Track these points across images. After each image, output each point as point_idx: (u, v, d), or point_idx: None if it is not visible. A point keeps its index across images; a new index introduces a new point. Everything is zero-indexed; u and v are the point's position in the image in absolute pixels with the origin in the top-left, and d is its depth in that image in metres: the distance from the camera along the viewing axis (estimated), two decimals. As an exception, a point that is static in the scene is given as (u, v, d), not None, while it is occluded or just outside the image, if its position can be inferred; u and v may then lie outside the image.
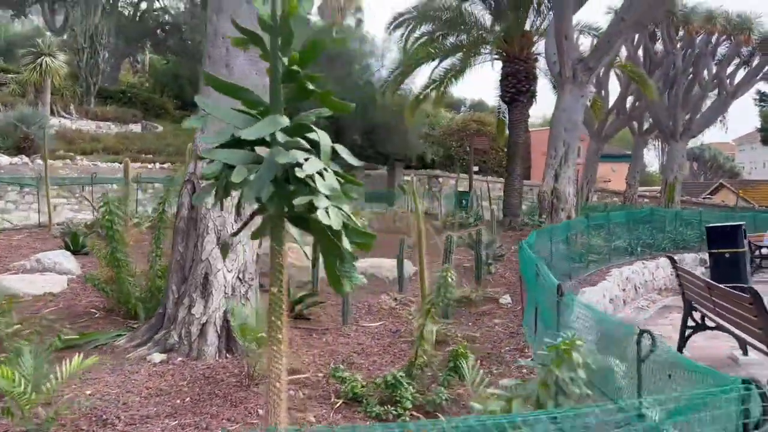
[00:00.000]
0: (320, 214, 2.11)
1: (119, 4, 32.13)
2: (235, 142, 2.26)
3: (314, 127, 2.37)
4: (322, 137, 2.33)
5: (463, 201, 21.65)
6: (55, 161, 19.63)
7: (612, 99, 25.19)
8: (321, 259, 2.45)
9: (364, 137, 30.35)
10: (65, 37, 31.51)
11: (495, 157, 32.16)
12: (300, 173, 2.10)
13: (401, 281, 8.27)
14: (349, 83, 27.63)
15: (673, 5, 19.29)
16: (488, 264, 9.51)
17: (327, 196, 2.16)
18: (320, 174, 2.16)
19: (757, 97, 35.09)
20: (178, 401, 4.06)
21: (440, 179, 32.04)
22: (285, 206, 2.18)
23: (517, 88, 18.31)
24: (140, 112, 30.49)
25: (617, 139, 35.74)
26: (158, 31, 33.16)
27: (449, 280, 5.46)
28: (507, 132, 19.98)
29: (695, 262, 13.98)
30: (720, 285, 5.99)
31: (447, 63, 19.81)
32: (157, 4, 34.91)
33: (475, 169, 26.25)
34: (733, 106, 24.75)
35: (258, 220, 5.39)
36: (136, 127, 28.71)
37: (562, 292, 4.23)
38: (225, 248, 4.55)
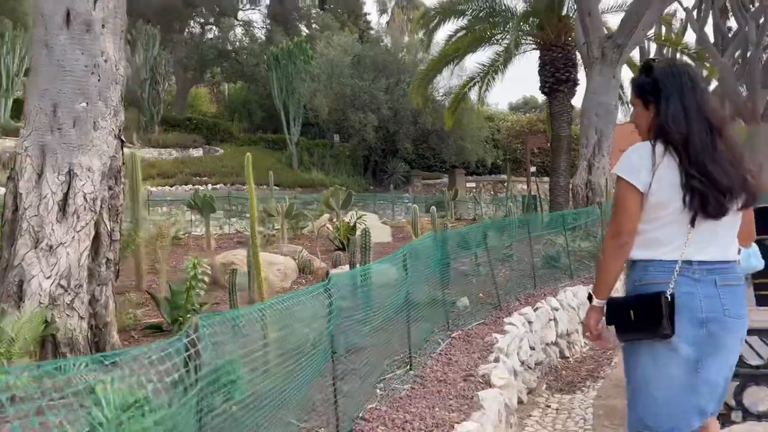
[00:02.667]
0: None
1: (177, 37, 33.34)
2: None
3: None
4: None
5: (533, 205, 20.33)
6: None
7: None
8: None
9: (417, 144, 29.59)
10: (129, 69, 33.17)
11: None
12: None
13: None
14: (398, 92, 27.10)
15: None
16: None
17: None
18: None
19: None
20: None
21: (505, 184, 30.53)
22: None
23: (556, 77, 16.86)
24: (202, 137, 31.46)
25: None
26: (218, 58, 34.09)
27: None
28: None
29: None
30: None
31: (483, 59, 18.68)
32: (216, 32, 36.05)
33: (533, 169, 24.64)
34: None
35: (86, 216, 4.82)
36: (197, 152, 29.57)
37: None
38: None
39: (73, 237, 4.41)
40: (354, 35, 29.22)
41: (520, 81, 56.35)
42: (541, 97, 25.41)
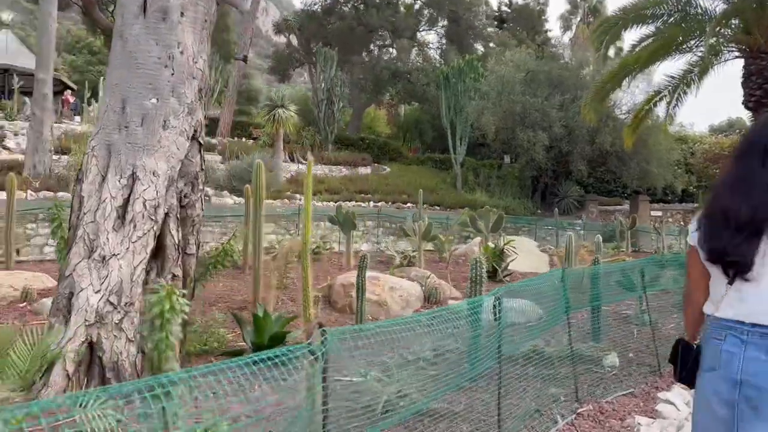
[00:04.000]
0: None
1: (355, 59, 34.39)
2: None
3: None
4: None
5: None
6: (275, 200, 21.23)
7: None
8: None
9: (594, 167, 27.13)
10: (309, 92, 34.91)
11: None
12: None
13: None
14: (573, 109, 25.08)
15: None
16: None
17: None
18: None
19: None
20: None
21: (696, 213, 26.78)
22: None
23: (764, 89, 14.06)
24: (373, 156, 31.99)
25: None
26: (392, 79, 34.58)
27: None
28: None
29: None
30: None
31: (673, 70, 16.29)
32: (392, 54, 36.66)
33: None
34: None
35: (144, 226, 4.28)
36: (365, 170, 30.03)
37: None
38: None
39: (128, 248, 3.91)
40: (528, 51, 27.69)
41: (722, 100, 50.10)
42: (747, 115, 21.81)
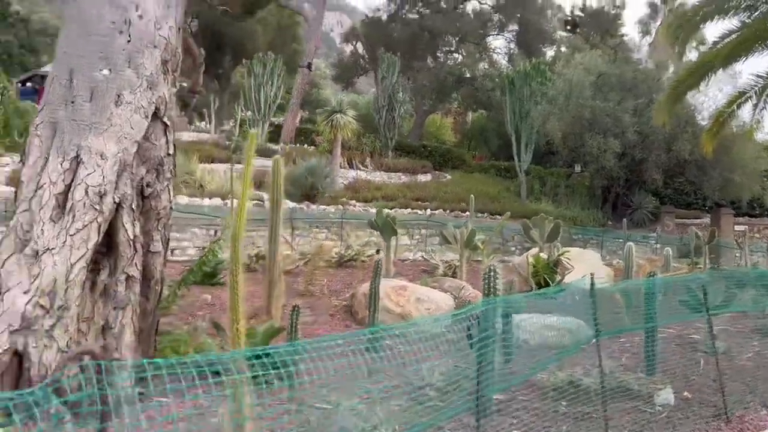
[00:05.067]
0: None
1: (417, 65, 33.75)
2: None
3: None
4: None
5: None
6: (329, 206, 20.85)
7: None
8: None
9: (671, 176, 25.24)
10: (371, 98, 34.51)
11: None
12: None
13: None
14: (648, 113, 23.39)
15: None
16: None
17: None
18: None
19: None
20: None
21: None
22: None
23: None
24: (434, 163, 31.18)
25: None
26: (456, 85, 33.73)
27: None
28: None
29: None
30: None
31: (761, 68, 14.68)
32: (456, 59, 35.81)
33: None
34: None
35: (85, 216, 3.67)
36: (425, 177, 29.25)
37: None
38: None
39: (65, 242, 3.33)
40: (600, 54, 26.13)
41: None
42: None
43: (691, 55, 19.75)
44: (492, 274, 3.65)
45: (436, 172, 30.71)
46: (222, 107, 38.80)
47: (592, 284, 3.71)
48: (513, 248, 20.90)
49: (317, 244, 10.72)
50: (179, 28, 3.86)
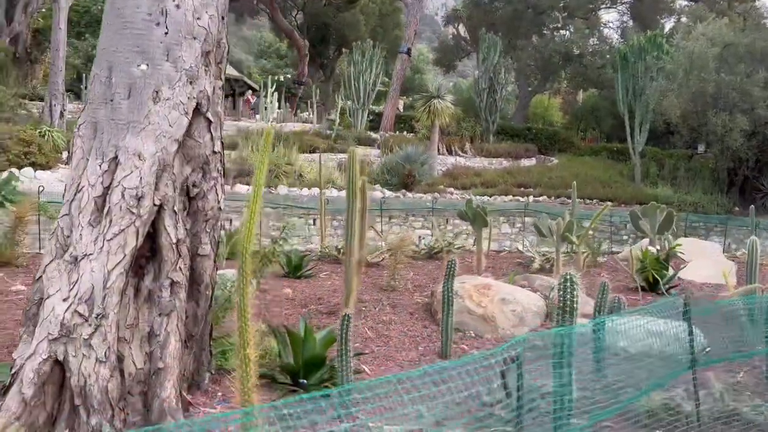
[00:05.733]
0: None
1: (521, 43, 32.29)
2: None
3: None
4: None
5: None
6: (425, 194, 20.50)
7: None
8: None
9: None
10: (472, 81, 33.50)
11: None
12: None
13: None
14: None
15: None
16: None
17: None
18: None
19: None
20: None
21: None
22: None
23: None
24: (540, 146, 29.83)
25: None
26: (562, 62, 31.94)
27: None
28: None
29: None
30: None
31: None
32: (563, 36, 33.91)
33: None
34: None
35: (122, 221, 3.47)
36: (529, 162, 28.06)
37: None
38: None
39: (102, 248, 3.19)
40: (725, 22, 23.57)
41: None
42: None
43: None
44: (568, 285, 3.10)
45: (542, 156, 29.38)
46: (326, 97, 39.46)
47: (687, 307, 3.05)
48: (626, 237, 19.41)
49: (402, 235, 10.29)
50: (222, 17, 3.60)
